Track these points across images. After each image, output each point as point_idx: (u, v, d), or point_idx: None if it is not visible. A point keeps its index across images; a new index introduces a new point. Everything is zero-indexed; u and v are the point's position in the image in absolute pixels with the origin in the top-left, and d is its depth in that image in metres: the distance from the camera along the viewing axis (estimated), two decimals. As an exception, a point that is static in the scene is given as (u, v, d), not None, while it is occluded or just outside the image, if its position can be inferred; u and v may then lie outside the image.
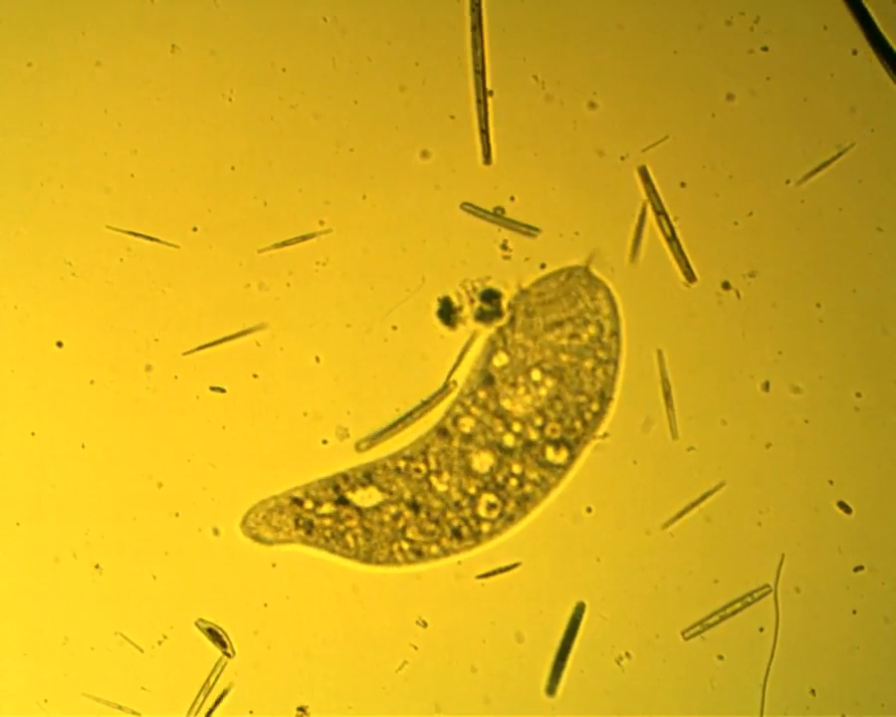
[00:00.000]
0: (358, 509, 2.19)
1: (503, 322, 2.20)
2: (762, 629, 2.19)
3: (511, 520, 2.19)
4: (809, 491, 2.20)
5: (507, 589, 2.22)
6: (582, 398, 2.15)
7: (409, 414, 2.21)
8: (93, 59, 2.21)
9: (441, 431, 2.19)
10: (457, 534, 2.19)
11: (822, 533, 2.19)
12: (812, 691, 2.20)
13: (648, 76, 2.18)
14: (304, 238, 2.20)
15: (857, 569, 2.19)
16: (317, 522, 2.20)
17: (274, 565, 2.22)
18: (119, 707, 2.23)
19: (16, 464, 2.23)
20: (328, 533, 2.20)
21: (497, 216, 2.14)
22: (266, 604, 2.23)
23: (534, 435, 2.17)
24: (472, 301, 2.19)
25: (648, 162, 2.17)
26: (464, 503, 2.18)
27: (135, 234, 2.18)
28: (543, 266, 2.19)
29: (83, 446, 2.23)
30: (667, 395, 2.18)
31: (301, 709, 2.24)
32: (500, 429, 2.17)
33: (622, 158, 2.18)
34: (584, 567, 2.21)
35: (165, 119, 2.21)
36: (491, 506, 2.18)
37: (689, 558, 2.21)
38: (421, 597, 2.22)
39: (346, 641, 2.23)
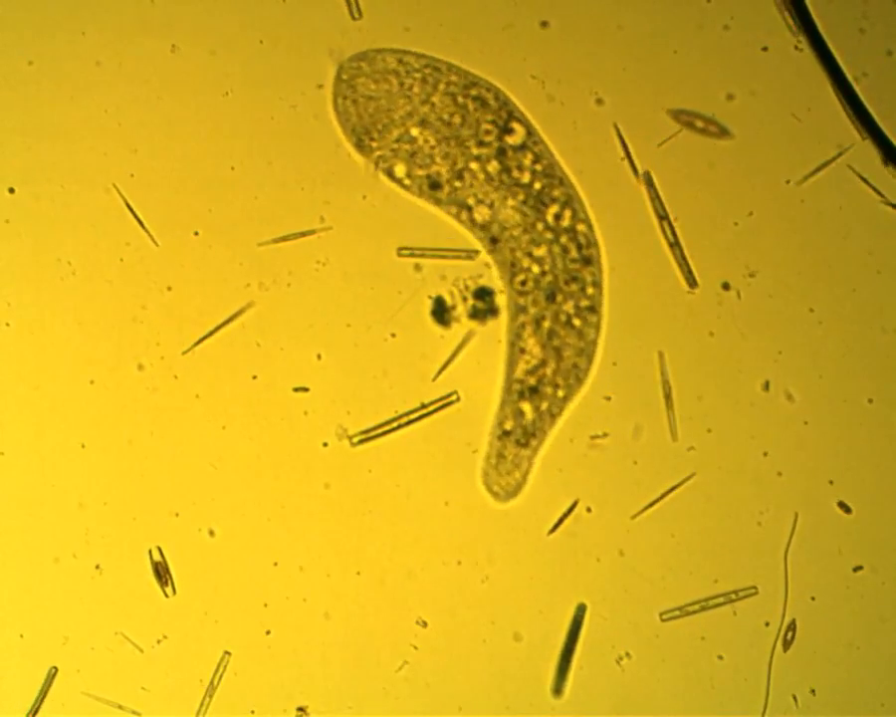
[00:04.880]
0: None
1: (498, 319, 2.19)
2: (767, 624, 2.19)
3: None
4: (809, 491, 2.20)
5: (507, 588, 2.22)
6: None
7: (406, 414, 2.21)
8: (93, 59, 2.20)
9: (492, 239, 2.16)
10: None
11: (822, 533, 2.20)
12: (812, 691, 2.20)
13: (648, 76, 2.18)
14: (304, 234, 2.20)
15: (857, 569, 2.19)
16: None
17: (276, 564, 2.22)
18: (120, 707, 2.23)
19: (16, 464, 2.23)
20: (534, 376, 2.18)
21: (436, 252, 2.14)
22: (266, 604, 2.23)
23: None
24: (465, 299, 2.19)
25: (649, 164, 2.17)
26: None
27: (132, 210, 2.17)
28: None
29: (83, 446, 2.23)
30: (667, 396, 2.18)
31: (301, 709, 2.24)
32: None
33: (622, 159, 2.18)
34: (584, 567, 2.21)
35: (165, 118, 2.21)
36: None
37: (689, 558, 2.21)
38: (421, 598, 2.22)
39: (346, 641, 2.23)
